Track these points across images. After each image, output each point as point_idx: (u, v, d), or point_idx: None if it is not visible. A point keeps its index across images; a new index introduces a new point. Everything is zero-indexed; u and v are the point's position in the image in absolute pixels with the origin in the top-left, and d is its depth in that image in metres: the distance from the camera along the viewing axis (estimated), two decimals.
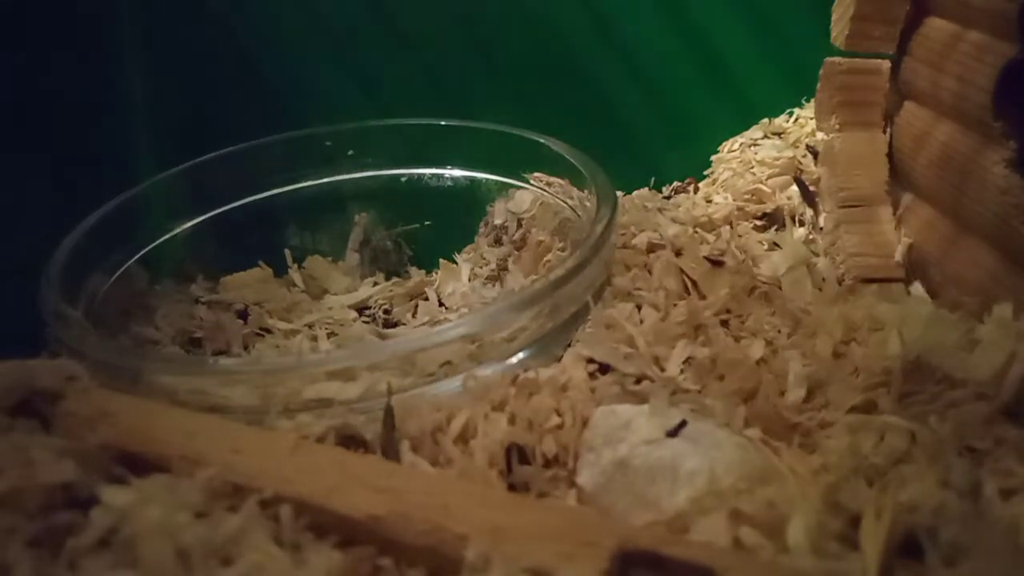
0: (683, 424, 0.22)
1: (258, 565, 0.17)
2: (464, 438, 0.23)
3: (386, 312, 0.38)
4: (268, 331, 0.34)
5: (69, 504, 0.18)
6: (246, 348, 0.33)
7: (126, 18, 0.41)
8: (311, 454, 0.19)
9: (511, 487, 0.22)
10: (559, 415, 0.24)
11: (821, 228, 0.36)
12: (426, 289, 0.38)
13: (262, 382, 0.25)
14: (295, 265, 0.40)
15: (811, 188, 0.38)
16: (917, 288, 0.33)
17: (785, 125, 0.43)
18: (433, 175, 0.41)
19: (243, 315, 0.36)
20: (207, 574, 0.17)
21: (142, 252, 0.36)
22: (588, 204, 0.34)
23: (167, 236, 0.38)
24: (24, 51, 0.36)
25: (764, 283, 0.32)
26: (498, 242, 0.41)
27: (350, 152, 0.41)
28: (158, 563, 0.17)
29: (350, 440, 0.23)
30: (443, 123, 0.40)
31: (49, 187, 0.37)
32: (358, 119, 0.41)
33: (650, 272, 0.32)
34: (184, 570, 0.17)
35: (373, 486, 0.18)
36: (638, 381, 0.26)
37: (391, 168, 0.41)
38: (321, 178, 0.41)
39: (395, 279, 0.40)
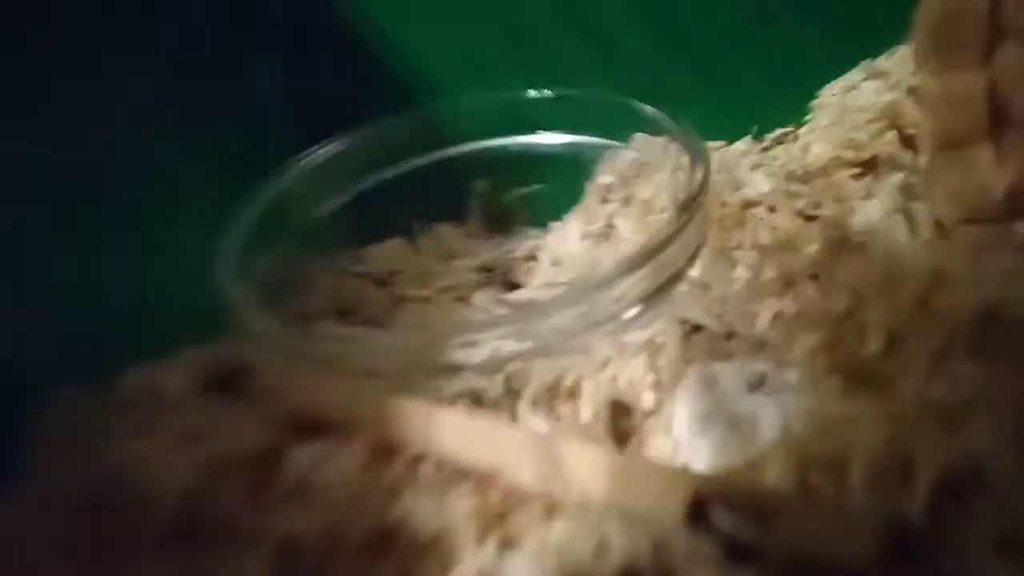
0: (763, 378, 0.25)
1: (411, 508, 0.22)
2: (573, 395, 0.27)
3: (505, 273, 0.42)
4: (407, 299, 0.39)
5: (268, 463, 0.24)
6: (390, 317, 0.38)
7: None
8: (446, 418, 0.24)
9: (614, 438, 0.26)
10: (655, 373, 0.27)
11: (920, 173, 0.37)
12: (539, 252, 0.42)
13: (405, 354, 0.30)
14: (424, 234, 0.44)
15: (911, 132, 0.39)
16: (1021, 228, 0.34)
17: (887, 65, 0.43)
18: (538, 142, 0.44)
19: (383, 283, 0.41)
20: (373, 515, 0.22)
21: (297, 234, 0.41)
22: (686, 162, 0.36)
23: (316, 216, 0.43)
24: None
25: (858, 234, 0.34)
26: (604, 201, 0.44)
27: (463, 126, 0.44)
28: (337, 507, 0.22)
29: (477, 401, 0.27)
30: (547, 93, 0.43)
31: (203, 180, 0.42)
32: (466, 94, 0.44)
33: (744, 229, 0.35)
34: (356, 512, 0.22)
35: (495, 444, 0.23)
36: (728, 339, 0.29)
37: (502, 137, 0.45)
38: (442, 152, 0.45)
39: (513, 242, 0.44)
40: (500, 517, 0.22)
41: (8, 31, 0.31)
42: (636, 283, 0.31)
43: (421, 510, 0.22)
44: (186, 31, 0.42)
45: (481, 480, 0.23)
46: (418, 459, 0.23)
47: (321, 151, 0.43)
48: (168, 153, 0.39)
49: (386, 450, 0.23)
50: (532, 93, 0.43)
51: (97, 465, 0.23)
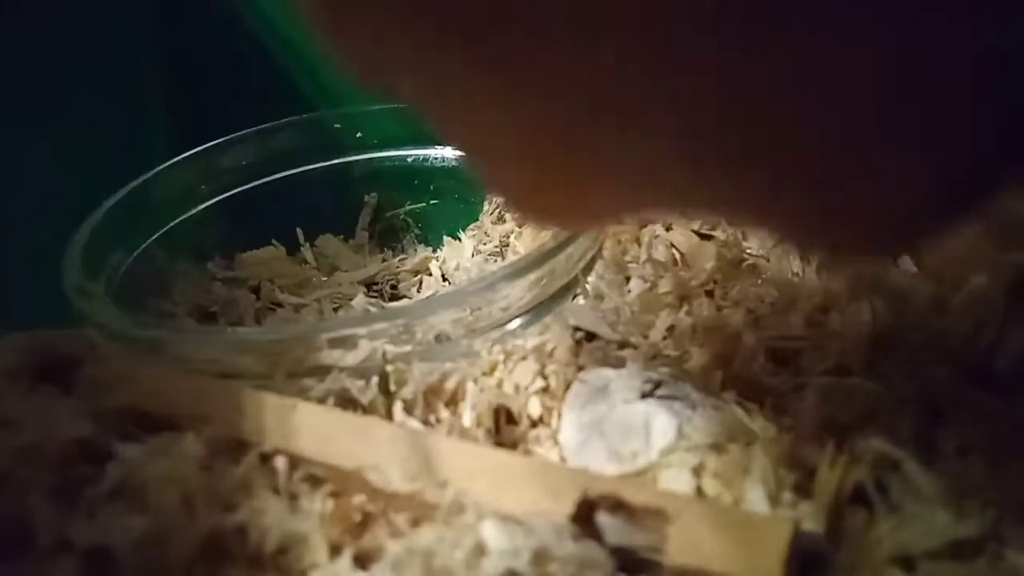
0: (657, 386, 0.24)
1: (258, 511, 0.19)
2: (455, 400, 0.25)
3: (392, 287, 0.40)
4: (279, 305, 0.36)
5: (86, 459, 0.20)
6: (258, 321, 0.35)
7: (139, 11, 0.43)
8: (308, 413, 0.21)
9: (498, 445, 0.24)
10: (545, 379, 0.25)
11: None
12: (430, 265, 0.40)
13: (269, 350, 0.27)
14: (307, 244, 0.41)
15: None
16: (905, 260, 0.34)
17: None
18: (438, 156, 0.42)
19: (256, 291, 0.38)
20: (211, 518, 0.19)
21: (159, 232, 0.38)
22: None
23: (183, 217, 0.39)
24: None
25: (752, 255, 0.33)
26: (501, 220, 0.42)
27: (358, 135, 0.42)
28: (166, 509, 0.19)
29: (348, 403, 0.24)
30: None
31: (73, 172, 0.39)
32: (363, 103, 0.42)
33: (639, 244, 0.34)
34: (189, 515, 0.19)
35: (363, 440, 0.20)
36: (621, 348, 0.27)
37: (397, 149, 0.43)
38: (331, 160, 0.42)
39: (402, 256, 0.42)
40: (361, 523, 0.19)
41: None
42: (524, 290, 0.30)
43: (267, 514, 0.19)
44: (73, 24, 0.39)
45: (341, 480, 0.20)
46: (269, 456, 0.20)
47: (201, 150, 0.40)
48: (45, 143, 0.36)
49: (231, 447, 0.20)
50: None
51: None
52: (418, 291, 0.39)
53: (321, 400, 0.24)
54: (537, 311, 0.30)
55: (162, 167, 0.39)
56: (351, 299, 0.38)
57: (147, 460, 0.19)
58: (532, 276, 0.30)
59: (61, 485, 0.19)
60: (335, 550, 0.19)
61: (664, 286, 0.30)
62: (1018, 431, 0.21)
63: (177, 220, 0.39)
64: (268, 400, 0.22)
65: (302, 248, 0.41)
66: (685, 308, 0.29)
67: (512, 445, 0.24)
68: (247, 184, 0.41)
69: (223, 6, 0.44)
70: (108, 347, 0.26)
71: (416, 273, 0.40)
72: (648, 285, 0.30)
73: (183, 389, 0.22)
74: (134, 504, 0.19)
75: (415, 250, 0.42)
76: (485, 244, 0.41)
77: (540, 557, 0.17)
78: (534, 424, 0.24)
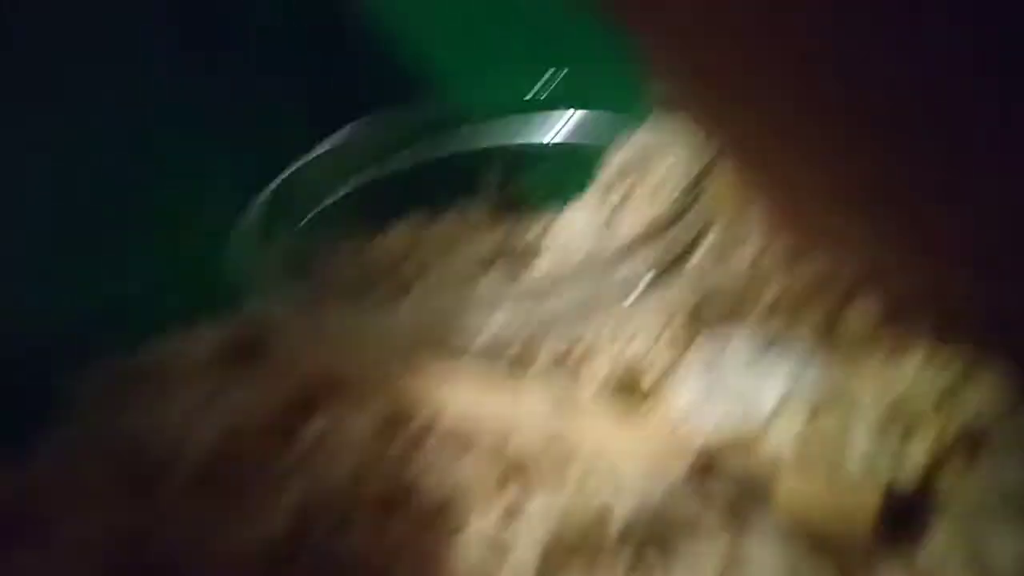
0: (772, 345, 0.26)
1: (420, 472, 0.23)
2: (582, 366, 0.28)
3: (511, 261, 0.42)
4: (413, 284, 0.40)
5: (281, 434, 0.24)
6: (403, 294, 0.39)
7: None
8: (458, 380, 0.24)
9: (623, 408, 0.27)
10: (665, 341, 0.28)
11: None
12: (545, 239, 0.42)
13: (411, 331, 0.30)
14: (433, 220, 0.45)
15: None
16: None
17: None
18: (548, 133, 0.45)
19: (392, 271, 0.41)
20: (386, 479, 0.23)
21: (307, 219, 0.42)
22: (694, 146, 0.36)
23: (329, 202, 0.43)
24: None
25: None
26: (611, 190, 0.44)
27: (473, 120, 0.45)
28: (349, 470, 0.23)
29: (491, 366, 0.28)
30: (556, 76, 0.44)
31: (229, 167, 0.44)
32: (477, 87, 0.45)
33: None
34: (369, 475, 0.23)
35: (505, 407, 0.23)
36: (738, 308, 0.29)
37: (511, 125, 0.45)
38: (450, 145, 0.46)
39: (519, 230, 0.44)
40: (506, 481, 0.23)
41: None
42: (643, 262, 0.32)
43: (431, 474, 0.23)
44: (195, 24, 0.43)
45: (490, 445, 0.23)
46: (428, 426, 0.24)
47: (331, 141, 0.44)
48: (192, 145, 0.40)
49: (399, 416, 0.24)
50: (538, 84, 0.43)
51: (124, 429, 0.23)
52: (537, 263, 0.41)
53: (466, 371, 0.27)
54: (656, 280, 0.32)
55: (301, 159, 0.43)
56: (477, 274, 0.41)
57: (330, 430, 0.24)
58: (651, 247, 0.32)
59: (268, 449, 0.23)
60: (487, 504, 0.22)
61: (778, 247, 0.32)
62: None
63: (323, 205, 0.43)
64: (425, 372, 0.25)
65: (426, 228, 0.45)
66: (800, 269, 0.31)
67: (636, 403, 0.27)
68: (372, 170, 0.45)
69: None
70: (286, 326, 0.30)
71: (533, 247, 0.43)
72: (763, 247, 0.32)
73: (354, 363, 0.26)
74: (324, 465, 0.23)
75: (530, 223, 0.45)
76: (597, 214, 0.44)
77: (659, 516, 0.20)
78: (656, 386, 0.27)
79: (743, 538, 0.20)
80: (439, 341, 0.30)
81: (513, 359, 0.28)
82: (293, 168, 0.42)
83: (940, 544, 0.19)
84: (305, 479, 0.22)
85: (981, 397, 0.22)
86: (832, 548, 0.19)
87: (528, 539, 0.20)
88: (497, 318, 0.30)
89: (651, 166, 0.42)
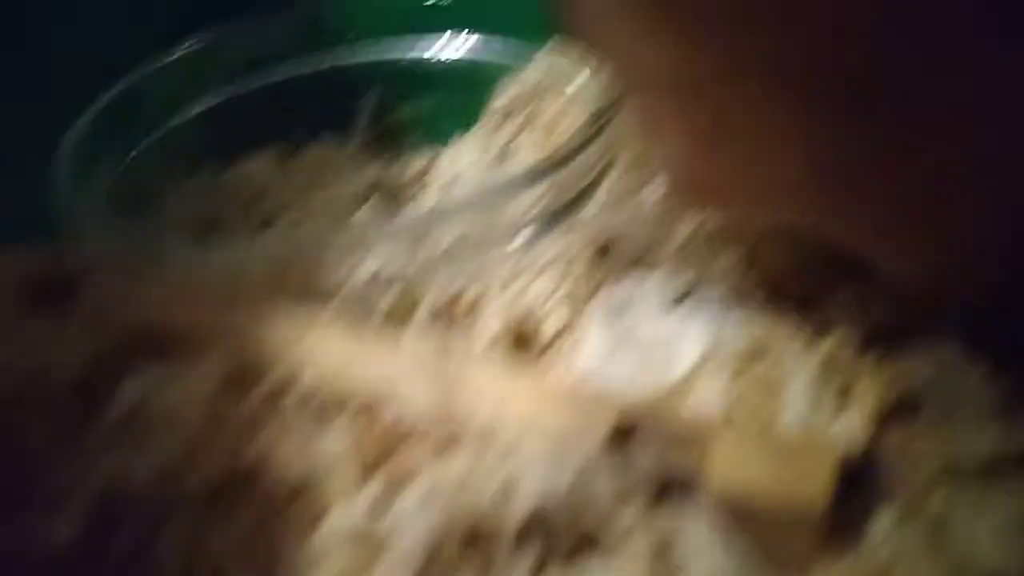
0: (686, 294, 0.23)
1: (273, 445, 0.18)
2: (471, 316, 0.24)
3: (392, 196, 0.38)
4: (276, 217, 0.35)
5: (91, 390, 0.19)
6: (257, 235, 0.34)
7: None
8: (324, 334, 0.20)
9: (519, 363, 0.23)
10: (565, 291, 0.24)
11: None
12: (430, 172, 0.38)
13: (271, 266, 0.26)
14: (301, 150, 0.40)
15: None
16: None
17: None
18: (438, 54, 0.40)
19: (253, 202, 0.36)
20: (227, 455, 0.18)
21: (150, 139, 0.36)
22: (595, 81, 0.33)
23: (174, 123, 0.37)
24: None
25: None
26: (504, 121, 0.40)
27: (353, 28, 0.40)
28: (179, 444, 0.18)
29: (360, 323, 0.23)
30: None
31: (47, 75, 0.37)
32: None
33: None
34: (204, 451, 0.18)
35: (381, 363, 0.19)
36: (646, 253, 0.26)
37: (397, 44, 0.40)
38: (326, 58, 0.40)
39: (401, 162, 0.40)
40: (384, 454, 0.18)
41: None
42: (540, 197, 0.28)
43: (286, 448, 0.18)
44: None
45: (362, 409, 0.19)
46: (284, 385, 0.19)
47: (189, 49, 0.38)
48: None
49: (245, 374, 0.19)
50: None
51: None
52: (418, 200, 0.37)
53: (332, 320, 0.23)
54: (554, 217, 0.29)
55: (147, 66, 0.37)
56: (351, 210, 0.37)
57: (156, 391, 0.18)
58: (545, 182, 0.28)
59: (71, 419, 0.18)
60: (358, 484, 0.18)
61: None
62: None
63: (168, 126, 0.37)
64: (279, 320, 0.20)
65: (296, 155, 0.40)
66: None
67: (533, 362, 0.23)
68: (235, 85, 0.39)
69: None
70: (107, 264, 0.25)
71: (416, 181, 0.39)
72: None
73: (191, 310, 0.21)
74: (143, 438, 0.18)
75: (414, 156, 0.41)
76: (488, 147, 0.40)
77: (576, 489, 0.16)
78: (555, 339, 0.23)
79: (672, 522, 0.16)
80: (300, 285, 0.26)
81: (389, 308, 0.24)
82: (130, 79, 0.36)
83: (892, 524, 0.16)
84: (113, 459, 0.17)
85: (917, 359, 0.20)
86: (777, 529, 0.16)
87: (408, 533, 0.16)
88: (370, 259, 0.26)
89: (549, 98, 0.38)
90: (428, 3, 0.39)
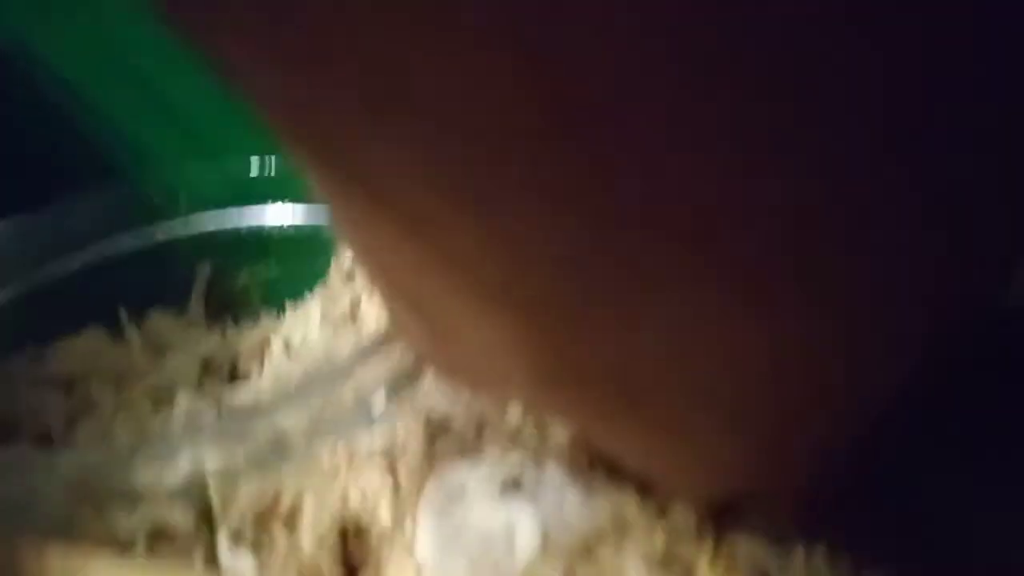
0: (519, 479, 0.22)
1: None
2: (292, 518, 0.22)
3: (232, 367, 0.36)
4: (96, 405, 0.32)
5: None
6: (70, 429, 0.31)
7: None
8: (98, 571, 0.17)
9: (348, 566, 0.21)
10: (395, 481, 0.22)
11: None
12: (272, 338, 0.36)
13: (72, 475, 0.23)
14: (132, 324, 0.37)
15: None
16: None
17: None
18: (275, 219, 0.39)
19: (71, 389, 0.33)
20: None
21: None
22: None
23: None
24: None
25: None
26: (350, 280, 0.39)
27: (181, 200, 0.38)
28: None
29: (162, 536, 0.21)
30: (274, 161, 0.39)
31: None
32: (183, 163, 0.38)
33: None
34: None
35: None
36: (479, 432, 0.25)
37: (229, 213, 0.39)
38: (155, 230, 0.38)
39: (241, 330, 0.38)
40: None
41: None
42: (377, 372, 0.27)
43: None
44: None
45: None
46: None
47: None
48: None
49: None
50: (256, 161, 0.38)
51: None
52: (260, 370, 0.35)
53: (128, 540, 0.20)
54: (391, 393, 0.27)
55: None
56: (187, 387, 0.34)
57: None
58: (385, 354, 0.27)
59: None
60: None
61: None
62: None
63: None
64: (50, 557, 0.18)
65: (127, 329, 0.37)
66: None
67: (362, 563, 0.21)
68: (54, 264, 0.37)
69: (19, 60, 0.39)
70: None
71: (257, 349, 0.37)
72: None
73: None
74: None
75: (256, 322, 0.39)
76: (333, 310, 0.38)
77: None
78: (385, 536, 0.21)
79: None
80: (107, 488, 0.23)
81: (200, 509, 0.22)
82: None
83: None
84: None
85: (756, 540, 0.19)
86: None
87: None
88: (190, 452, 0.24)
89: None
90: (253, 176, 0.38)
